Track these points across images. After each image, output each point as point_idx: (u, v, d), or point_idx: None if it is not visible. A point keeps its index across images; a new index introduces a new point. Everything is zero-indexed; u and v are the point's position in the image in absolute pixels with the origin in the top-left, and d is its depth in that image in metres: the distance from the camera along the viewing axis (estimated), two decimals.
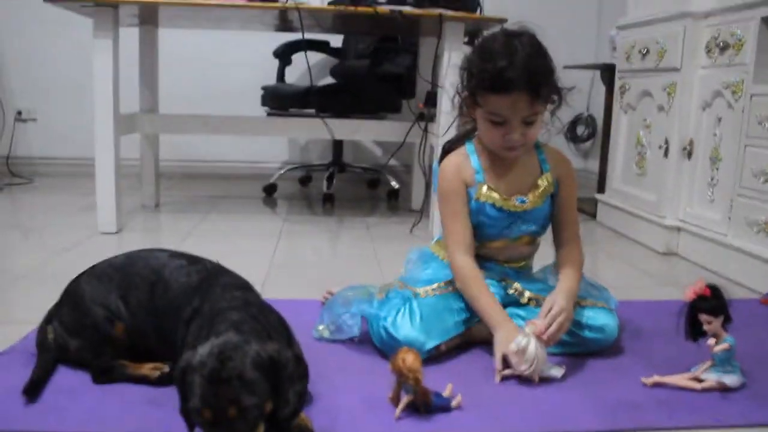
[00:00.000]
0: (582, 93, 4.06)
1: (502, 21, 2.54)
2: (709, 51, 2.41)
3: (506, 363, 1.37)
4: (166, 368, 1.26)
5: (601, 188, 3.25)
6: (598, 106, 3.89)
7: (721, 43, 2.32)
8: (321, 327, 1.56)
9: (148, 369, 1.27)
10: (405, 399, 1.19)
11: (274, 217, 3.15)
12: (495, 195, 1.53)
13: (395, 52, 3.58)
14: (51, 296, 1.39)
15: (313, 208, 3.41)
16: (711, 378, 1.35)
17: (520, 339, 1.34)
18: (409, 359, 1.17)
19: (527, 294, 1.57)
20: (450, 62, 2.61)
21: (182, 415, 1.01)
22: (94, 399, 1.21)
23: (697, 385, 1.35)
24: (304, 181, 4.06)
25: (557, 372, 1.37)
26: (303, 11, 2.49)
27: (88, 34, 2.51)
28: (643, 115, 2.79)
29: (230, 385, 0.95)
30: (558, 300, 1.41)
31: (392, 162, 4.21)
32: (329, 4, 2.55)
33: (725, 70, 2.32)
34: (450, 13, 2.50)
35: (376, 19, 2.54)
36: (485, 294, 1.49)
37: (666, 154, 2.57)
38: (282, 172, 3.78)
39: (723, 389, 1.34)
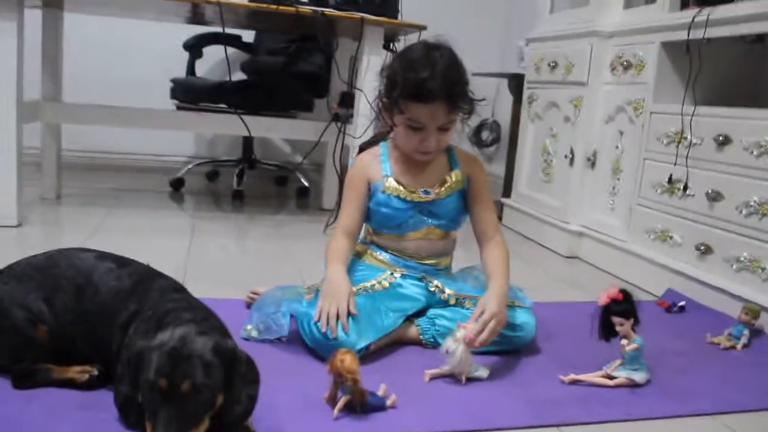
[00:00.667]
0: (487, 99, 4.22)
1: (421, 27, 2.61)
2: (613, 69, 2.57)
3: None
4: (95, 371, 1.22)
5: (506, 192, 3.39)
6: (502, 112, 4.05)
7: (625, 63, 2.48)
8: (249, 326, 1.55)
9: (75, 372, 1.22)
10: (342, 399, 1.21)
11: (183, 213, 3.08)
12: (400, 188, 1.62)
13: (309, 50, 3.57)
14: None
15: (221, 204, 3.36)
16: (621, 375, 1.45)
17: (450, 344, 1.39)
18: (347, 360, 1.19)
19: (447, 291, 1.64)
20: (369, 65, 2.65)
21: (120, 403, 1.02)
22: (17, 405, 1.15)
23: (610, 382, 1.45)
24: (212, 176, 3.98)
25: (483, 372, 1.43)
26: (224, 6, 2.45)
27: None
28: (549, 125, 2.93)
29: (189, 362, 0.97)
30: (490, 304, 1.47)
31: (300, 159, 4.20)
32: (251, 0, 2.52)
33: (628, 88, 2.48)
34: (371, 17, 2.54)
35: (297, 18, 2.54)
36: (336, 258, 1.59)
37: (571, 163, 2.72)
38: (190, 167, 3.69)
39: (632, 385, 1.45)
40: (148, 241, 2.49)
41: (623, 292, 1.46)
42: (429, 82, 1.48)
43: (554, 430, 1.25)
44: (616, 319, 1.45)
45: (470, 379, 1.41)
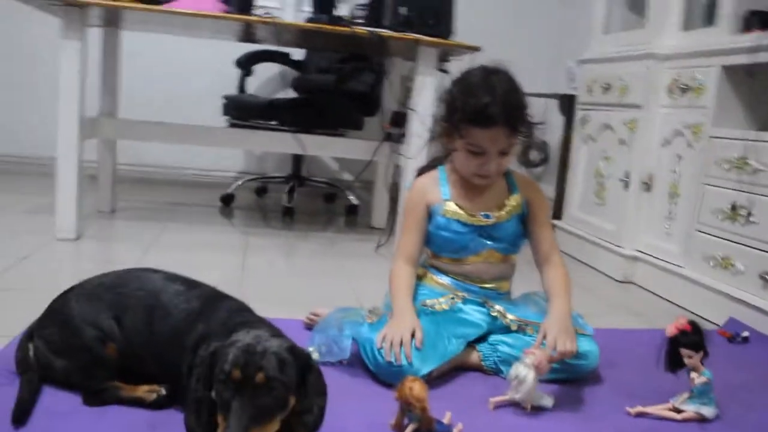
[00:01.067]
0: (539, 120, 4.19)
1: (475, 49, 2.61)
2: (670, 92, 2.53)
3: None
4: (163, 391, 1.24)
5: (557, 214, 3.35)
6: (550, 132, 4.02)
7: (683, 86, 2.44)
8: (311, 348, 1.55)
9: (143, 391, 1.24)
10: (410, 427, 1.20)
11: (234, 229, 3.11)
12: (461, 211, 1.62)
13: (360, 69, 3.60)
14: (14, 307, 1.34)
15: (271, 221, 3.38)
16: (690, 409, 1.42)
17: (521, 369, 1.37)
18: (416, 388, 1.18)
19: (509, 316, 1.62)
20: (423, 86, 2.65)
21: (192, 404, 1.03)
22: (88, 423, 1.17)
23: (677, 416, 1.41)
24: (260, 192, 4.02)
25: (548, 401, 1.41)
26: (280, 26, 2.48)
27: (46, 30, 2.44)
28: (603, 147, 2.90)
29: (263, 355, 1.00)
30: (552, 328, 1.46)
31: (349, 177, 4.23)
32: (307, 21, 2.55)
33: (686, 111, 2.44)
34: (426, 38, 2.54)
35: (352, 38, 2.56)
36: (403, 289, 1.60)
37: (626, 186, 2.68)
38: (240, 183, 3.74)
39: (701, 420, 1.41)
40: (202, 257, 2.53)
41: (692, 323, 1.43)
42: (490, 107, 1.49)
43: None
44: (684, 351, 1.41)
45: (535, 408, 1.39)
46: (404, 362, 1.42)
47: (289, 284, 2.29)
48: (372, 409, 1.32)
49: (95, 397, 1.24)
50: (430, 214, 1.65)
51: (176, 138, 3.06)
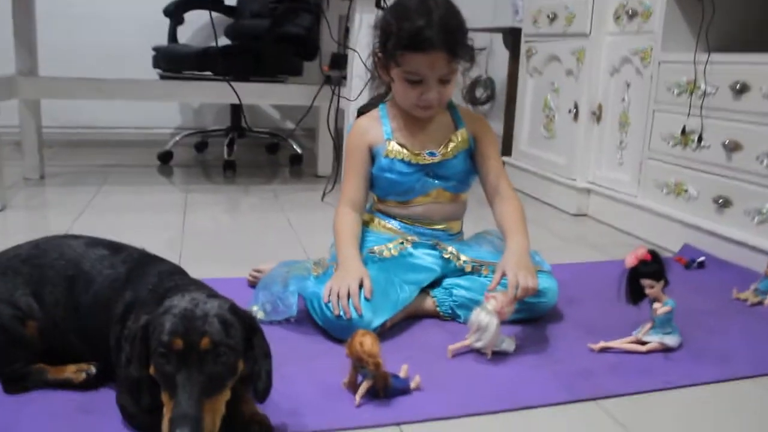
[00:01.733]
0: (480, 55, 4.09)
1: None
2: (617, 18, 2.45)
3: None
4: (93, 369, 1.13)
5: (506, 151, 3.28)
6: (496, 68, 3.92)
7: (630, 11, 2.36)
8: (255, 307, 1.45)
9: (71, 372, 1.13)
10: (364, 384, 1.13)
11: (174, 187, 2.96)
12: (404, 150, 1.53)
13: (296, 11, 3.42)
14: None
15: (212, 176, 3.24)
16: (653, 339, 1.37)
17: (483, 317, 1.30)
18: (367, 343, 1.10)
19: (463, 257, 1.55)
20: (361, 23, 2.52)
21: (129, 388, 0.93)
22: (10, 413, 1.06)
23: (641, 348, 1.37)
24: (200, 147, 3.85)
25: (509, 346, 1.35)
26: None
27: None
28: (550, 79, 2.82)
29: (205, 320, 0.90)
30: (509, 265, 1.38)
31: (292, 126, 4.08)
32: None
33: (634, 37, 2.36)
34: None
35: None
36: (348, 237, 1.50)
37: (575, 117, 2.62)
38: (177, 138, 3.56)
39: (665, 350, 1.37)
40: (140, 219, 2.39)
41: (652, 252, 1.37)
42: (426, 30, 1.39)
43: (592, 405, 1.17)
44: (645, 282, 1.36)
45: (496, 353, 1.33)
46: (354, 315, 1.34)
47: (232, 241, 2.17)
48: (323, 368, 1.24)
49: (16, 383, 1.12)
50: (372, 156, 1.56)
51: (104, 93, 2.86)
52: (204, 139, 3.86)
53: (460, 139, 1.56)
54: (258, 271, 1.66)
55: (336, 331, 1.35)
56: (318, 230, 1.68)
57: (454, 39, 1.42)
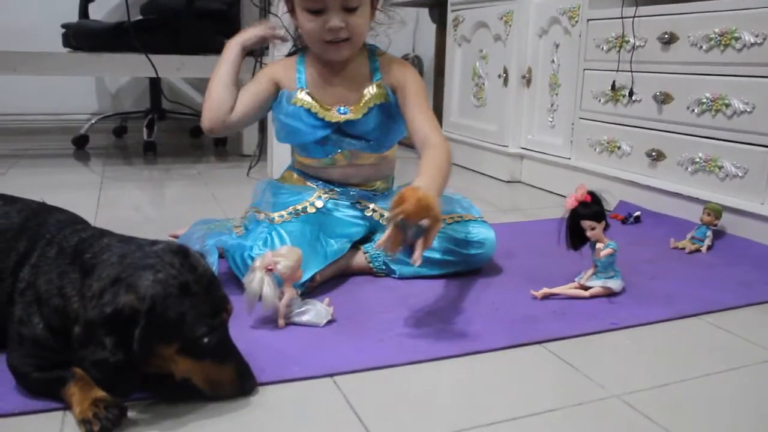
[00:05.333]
0: (407, 32, 4.02)
1: None
2: None
3: None
4: None
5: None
6: (423, 46, 3.87)
7: None
8: None
9: None
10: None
11: (88, 169, 2.78)
12: (311, 101, 1.41)
13: None
14: None
15: (133, 159, 3.06)
16: (596, 284, 1.33)
17: (254, 284, 1.11)
18: (430, 199, 1.08)
19: (380, 210, 1.47)
20: None
21: (106, 374, 0.81)
22: None
23: (585, 293, 1.32)
24: (119, 132, 3.65)
25: (317, 317, 1.16)
26: None
27: None
28: (479, 46, 2.77)
29: (215, 280, 0.90)
30: (407, 193, 1.10)
31: None
32: None
33: None
34: None
35: None
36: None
37: (505, 83, 2.58)
38: (93, 122, 3.36)
39: (608, 294, 1.33)
40: (50, 197, 2.20)
41: (591, 193, 1.33)
42: None
43: (538, 348, 1.11)
44: (586, 223, 1.32)
45: (299, 325, 1.16)
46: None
47: (151, 214, 2.04)
48: (246, 325, 1.14)
49: None
50: (277, 99, 1.44)
51: (7, 67, 2.65)
52: (122, 123, 3.67)
53: (374, 93, 1.43)
54: (175, 236, 1.54)
55: None
56: (245, 201, 1.57)
57: None
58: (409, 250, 1.10)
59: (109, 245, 0.88)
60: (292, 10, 1.39)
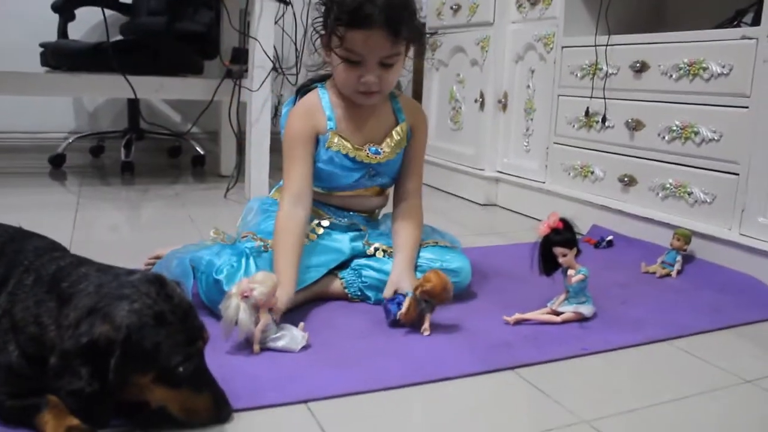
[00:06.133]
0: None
1: None
2: (519, 6, 2.47)
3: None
4: None
5: None
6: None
7: None
8: None
9: None
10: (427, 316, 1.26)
11: (65, 189, 2.77)
12: (347, 144, 1.44)
13: (195, 7, 3.29)
14: None
15: (109, 179, 3.05)
16: (568, 309, 1.35)
17: (230, 310, 1.12)
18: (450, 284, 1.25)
19: (375, 245, 1.50)
20: (262, 13, 2.43)
21: (80, 405, 0.82)
22: None
23: (557, 318, 1.35)
24: (96, 151, 3.63)
25: (292, 343, 1.17)
26: None
27: None
28: (456, 71, 2.82)
29: (192, 310, 0.90)
30: (404, 281, 1.35)
31: (194, 129, 3.92)
32: None
33: (536, 24, 2.38)
34: None
35: None
36: (288, 244, 1.33)
37: (482, 107, 2.61)
38: (70, 141, 3.34)
39: (580, 319, 1.35)
40: (23, 218, 2.18)
41: (563, 220, 1.36)
42: (367, 6, 1.28)
43: (510, 374, 1.13)
44: (558, 250, 1.34)
45: (275, 351, 1.16)
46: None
47: (128, 235, 2.04)
48: (220, 348, 1.15)
49: None
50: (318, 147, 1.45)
51: None
52: (100, 142, 3.65)
53: (401, 136, 1.48)
54: (156, 257, 1.53)
55: (215, 300, 1.21)
56: (222, 224, 1.58)
57: (397, 17, 1.30)
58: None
59: (86, 274, 0.89)
60: (327, 46, 1.39)
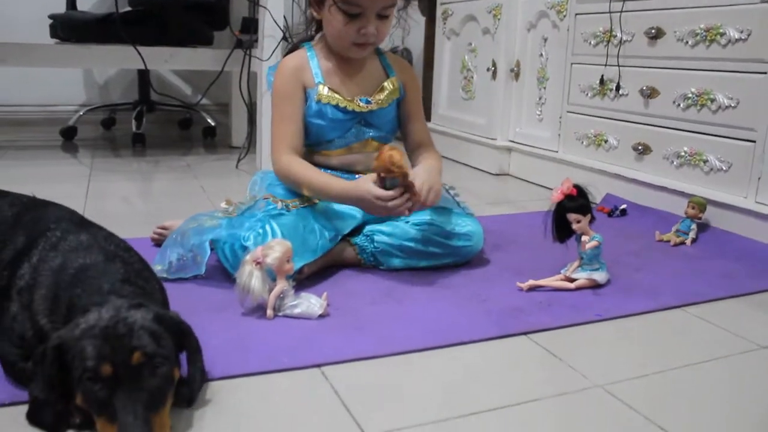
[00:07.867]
0: (396, 26, 4.03)
1: None
2: None
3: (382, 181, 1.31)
4: None
5: (425, 116, 3.23)
6: (412, 39, 3.87)
7: None
8: (159, 267, 1.33)
9: None
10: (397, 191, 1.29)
11: (77, 161, 2.77)
12: (337, 95, 1.45)
13: None
14: None
15: (120, 150, 3.06)
16: (582, 276, 1.35)
17: (243, 276, 1.14)
18: (396, 156, 1.24)
19: None
20: None
21: (32, 408, 0.80)
22: None
23: (570, 285, 1.34)
24: (108, 123, 3.64)
25: (309, 309, 1.16)
26: None
27: None
28: (468, 40, 2.78)
29: (131, 335, 0.77)
30: (419, 173, 1.36)
31: (205, 101, 3.91)
32: None
33: None
34: None
35: None
36: (317, 173, 1.41)
37: (494, 76, 2.59)
38: (81, 113, 3.34)
39: (594, 286, 1.35)
40: (38, 189, 2.19)
41: (577, 186, 1.34)
42: None
43: (523, 339, 1.13)
44: (572, 216, 1.33)
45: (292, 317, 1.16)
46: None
47: (139, 205, 2.04)
48: (235, 317, 1.15)
49: None
50: (308, 101, 1.46)
51: None
52: (111, 114, 3.65)
53: (392, 87, 1.50)
54: (163, 228, 1.54)
55: None
56: (233, 194, 1.58)
57: None
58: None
59: (104, 300, 0.83)
60: (318, 3, 1.41)
